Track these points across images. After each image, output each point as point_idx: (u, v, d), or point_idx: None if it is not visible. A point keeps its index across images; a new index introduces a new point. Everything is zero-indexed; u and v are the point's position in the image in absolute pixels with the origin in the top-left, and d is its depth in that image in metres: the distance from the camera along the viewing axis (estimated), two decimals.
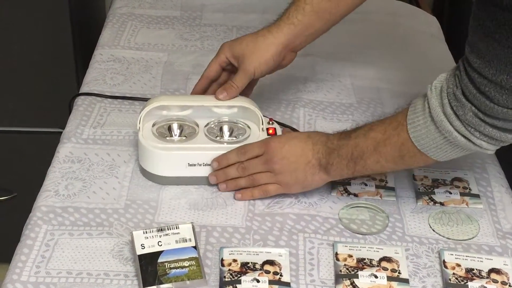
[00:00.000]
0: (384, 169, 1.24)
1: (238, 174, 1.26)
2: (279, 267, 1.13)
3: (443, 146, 1.12)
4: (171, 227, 1.16)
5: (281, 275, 1.11)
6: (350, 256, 1.15)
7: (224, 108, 1.32)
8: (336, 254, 1.16)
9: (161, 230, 1.16)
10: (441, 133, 1.11)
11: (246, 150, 1.26)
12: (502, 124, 1.07)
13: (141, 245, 1.14)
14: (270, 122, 1.33)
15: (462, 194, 1.30)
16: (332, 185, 1.29)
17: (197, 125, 1.31)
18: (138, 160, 1.32)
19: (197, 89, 1.36)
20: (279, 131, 1.32)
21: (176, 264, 1.11)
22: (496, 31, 0.99)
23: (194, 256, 1.13)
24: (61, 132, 1.41)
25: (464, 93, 1.07)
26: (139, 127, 1.28)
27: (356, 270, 1.13)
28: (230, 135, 1.31)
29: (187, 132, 1.30)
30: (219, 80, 1.36)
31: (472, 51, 1.04)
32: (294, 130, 1.40)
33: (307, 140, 1.25)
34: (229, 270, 1.12)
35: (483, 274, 1.14)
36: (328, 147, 1.22)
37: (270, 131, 1.31)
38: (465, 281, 1.13)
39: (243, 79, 1.31)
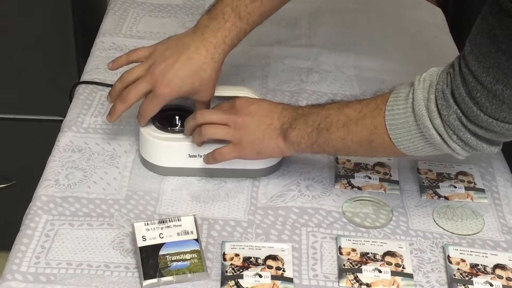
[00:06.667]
0: (346, 149, 1.18)
1: (195, 121, 1.22)
2: (281, 262, 1.11)
3: (416, 140, 1.09)
4: (172, 219, 1.15)
5: (283, 271, 1.10)
6: (354, 250, 1.14)
7: (227, 99, 1.30)
8: (340, 248, 1.15)
9: (163, 222, 1.14)
10: (418, 127, 1.08)
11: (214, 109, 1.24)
12: (483, 133, 1.05)
13: (142, 237, 1.12)
14: None
15: (467, 189, 1.28)
16: (336, 178, 1.28)
17: None
18: (139, 150, 1.30)
19: (115, 94, 1.27)
20: None
21: (178, 257, 1.10)
22: (504, 41, 0.96)
23: (196, 249, 1.12)
24: (62, 120, 1.40)
25: (453, 93, 1.04)
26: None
27: (359, 265, 1.12)
28: None
29: None
30: None
31: (472, 52, 1.01)
32: None
33: (278, 104, 1.22)
34: (231, 264, 1.10)
35: (488, 269, 1.13)
36: (297, 112, 1.19)
37: None
38: (470, 276, 1.11)
39: (206, 107, 1.28)
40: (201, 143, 1.23)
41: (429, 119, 1.06)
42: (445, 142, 1.07)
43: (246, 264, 1.11)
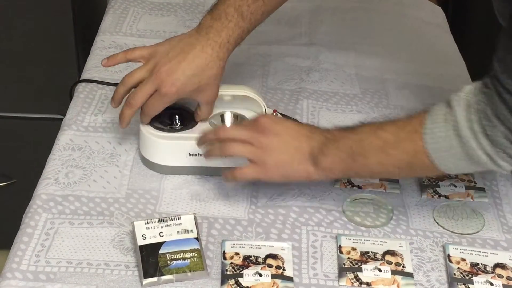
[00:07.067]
0: (385, 173, 1.18)
1: (215, 135, 1.20)
2: (281, 261, 1.11)
3: (461, 162, 1.07)
4: (173, 217, 1.15)
5: (283, 269, 1.10)
6: (354, 249, 1.14)
7: (227, 97, 1.30)
8: (340, 247, 1.15)
9: (163, 221, 1.14)
10: (463, 148, 1.05)
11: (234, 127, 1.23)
12: None
13: (143, 235, 1.12)
14: (274, 113, 1.32)
15: (467, 188, 1.28)
16: None
17: None
18: (139, 148, 1.30)
19: (119, 98, 1.26)
20: None
21: (178, 256, 1.10)
22: None
23: (196, 247, 1.11)
24: (62, 119, 1.40)
25: (496, 113, 1.02)
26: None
27: (360, 264, 1.12)
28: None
29: (189, 121, 1.29)
30: None
31: (504, 71, 1.00)
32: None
33: (303, 125, 1.21)
34: (231, 263, 1.10)
35: (488, 269, 1.13)
36: (326, 137, 1.16)
37: None
38: (470, 276, 1.11)
39: (210, 109, 1.27)
40: (214, 158, 1.21)
41: (475, 140, 1.04)
42: (493, 161, 1.05)
43: (246, 263, 1.11)
